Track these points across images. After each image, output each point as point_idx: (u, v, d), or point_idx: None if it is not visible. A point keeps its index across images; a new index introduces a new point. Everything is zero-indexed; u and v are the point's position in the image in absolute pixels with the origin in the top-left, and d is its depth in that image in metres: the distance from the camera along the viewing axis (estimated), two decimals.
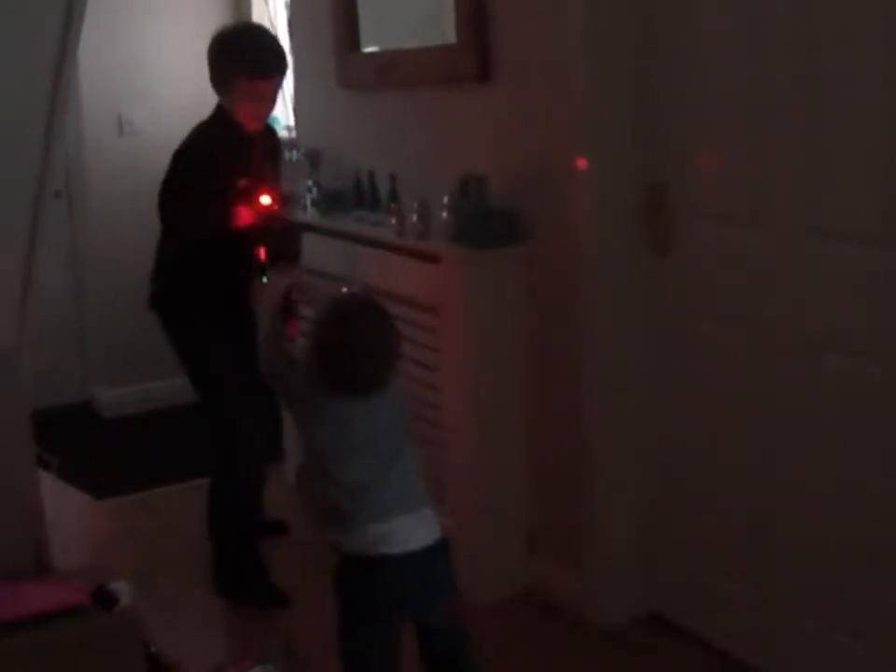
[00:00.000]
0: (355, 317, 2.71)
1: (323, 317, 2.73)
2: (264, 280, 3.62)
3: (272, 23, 5.75)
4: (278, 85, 3.95)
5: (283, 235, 3.88)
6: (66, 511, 2.69)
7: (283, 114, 5.80)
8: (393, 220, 4.01)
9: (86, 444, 5.61)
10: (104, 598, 2.26)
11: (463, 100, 3.98)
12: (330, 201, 4.56)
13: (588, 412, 3.59)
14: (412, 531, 2.68)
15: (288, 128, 5.67)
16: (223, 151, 3.81)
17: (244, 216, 3.77)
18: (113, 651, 2.23)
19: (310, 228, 4.54)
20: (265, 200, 3.79)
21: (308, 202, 4.65)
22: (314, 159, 4.74)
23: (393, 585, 2.67)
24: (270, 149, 4.11)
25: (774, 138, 3.03)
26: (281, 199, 3.91)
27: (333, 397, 2.68)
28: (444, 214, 3.74)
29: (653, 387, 3.55)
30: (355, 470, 2.67)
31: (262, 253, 3.71)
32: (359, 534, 2.67)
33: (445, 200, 3.74)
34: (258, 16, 5.95)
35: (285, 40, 5.36)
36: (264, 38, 3.97)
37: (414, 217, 3.88)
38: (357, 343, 2.64)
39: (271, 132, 4.23)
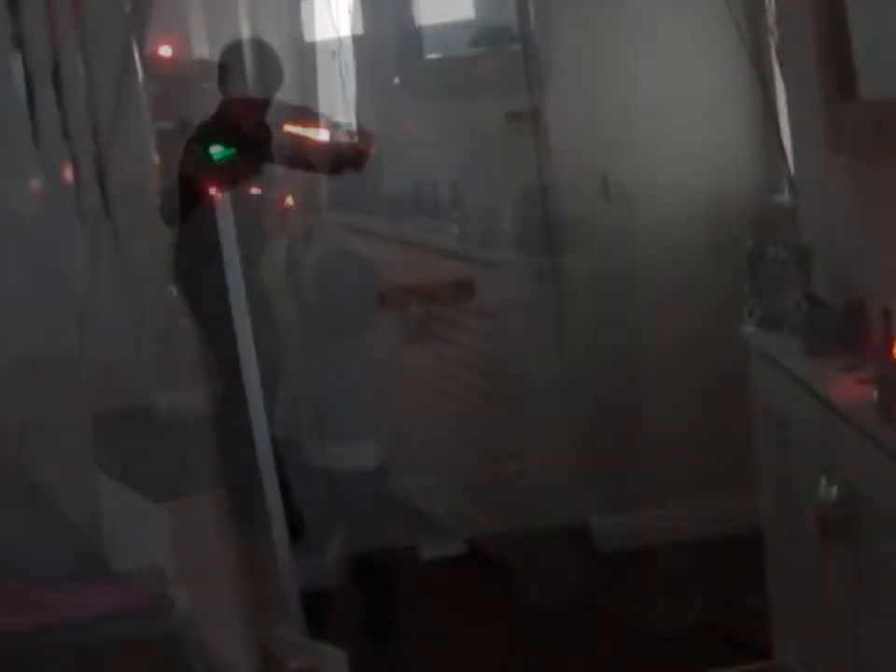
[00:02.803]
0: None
1: None
2: None
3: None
4: (274, 92, 4.38)
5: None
6: (126, 513, 2.71)
7: (345, 118, 5.80)
8: (454, 227, 4.01)
9: (146, 447, 5.64)
10: (162, 602, 2.26)
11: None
12: (391, 207, 4.56)
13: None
14: None
15: (350, 134, 5.66)
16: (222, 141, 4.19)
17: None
18: (171, 655, 2.24)
19: (370, 234, 4.56)
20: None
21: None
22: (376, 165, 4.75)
23: None
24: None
25: None
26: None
27: None
28: (507, 222, 3.73)
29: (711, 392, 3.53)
30: None
31: None
32: None
33: (509, 208, 3.73)
34: None
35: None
36: (269, 52, 4.35)
37: (475, 225, 3.87)
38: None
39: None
